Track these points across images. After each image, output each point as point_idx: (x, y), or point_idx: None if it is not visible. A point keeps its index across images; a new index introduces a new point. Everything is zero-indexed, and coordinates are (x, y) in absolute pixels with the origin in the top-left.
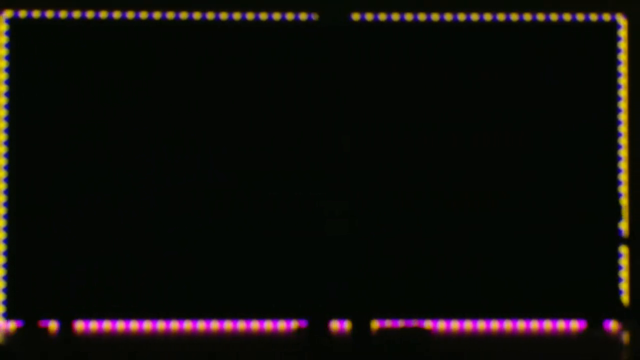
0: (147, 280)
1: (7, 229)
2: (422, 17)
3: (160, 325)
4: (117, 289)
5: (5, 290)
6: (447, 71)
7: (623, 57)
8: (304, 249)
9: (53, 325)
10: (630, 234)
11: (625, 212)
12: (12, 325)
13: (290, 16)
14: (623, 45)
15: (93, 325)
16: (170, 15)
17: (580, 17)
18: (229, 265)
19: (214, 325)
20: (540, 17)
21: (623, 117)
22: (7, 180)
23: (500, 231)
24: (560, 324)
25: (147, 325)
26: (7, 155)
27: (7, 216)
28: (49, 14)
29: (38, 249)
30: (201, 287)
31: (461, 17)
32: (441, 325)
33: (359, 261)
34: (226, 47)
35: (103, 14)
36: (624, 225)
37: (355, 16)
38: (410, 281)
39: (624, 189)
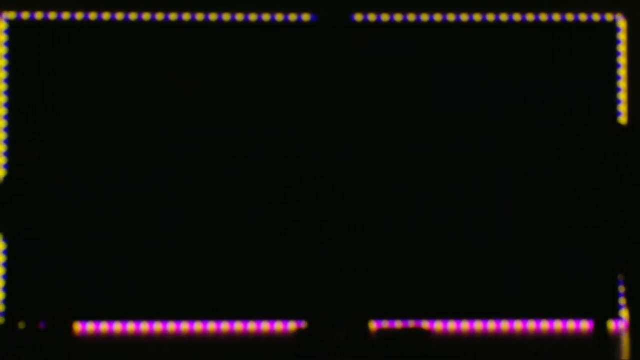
0: (146, 282)
1: None
2: (425, 17)
3: (157, 326)
4: (115, 290)
5: (5, 290)
6: (447, 70)
7: (622, 60)
8: (302, 249)
9: (53, 326)
10: None
11: None
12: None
13: (289, 17)
14: (622, 48)
15: (90, 326)
16: (172, 16)
17: (577, 16)
18: (228, 265)
19: (211, 326)
20: (543, 17)
21: (622, 119)
22: None
23: (500, 230)
24: (565, 324)
25: (144, 326)
26: (7, 154)
27: None
28: (51, 14)
29: (38, 250)
30: (200, 288)
31: (464, 17)
32: (440, 325)
33: (355, 261)
34: (227, 48)
35: (106, 15)
36: None
37: (358, 17)
38: (410, 281)
39: None
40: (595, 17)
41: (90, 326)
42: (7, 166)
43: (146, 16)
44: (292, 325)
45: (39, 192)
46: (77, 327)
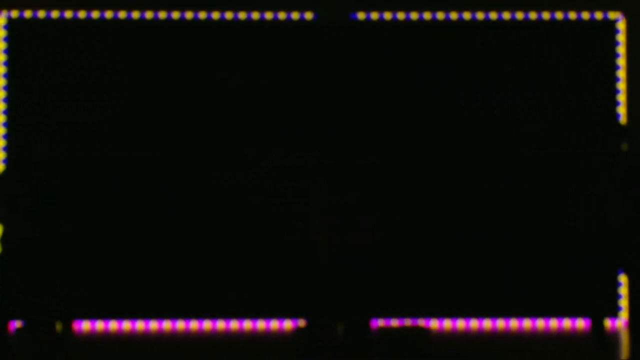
0: (142, 281)
1: None
2: (427, 15)
3: (153, 325)
4: (111, 289)
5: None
6: (446, 70)
7: (621, 61)
8: (301, 248)
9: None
10: None
11: None
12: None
13: (289, 15)
14: (622, 49)
15: (86, 325)
16: (148, 14)
17: (578, 15)
18: (225, 265)
19: (207, 325)
20: (546, 15)
21: (621, 120)
22: None
23: (499, 230)
24: (566, 323)
25: (140, 325)
26: (6, 149)
27: None
28: (42, 13)
29: (34, 248)
30: (196, 287)
31: (466, 15)
32: (439, 324)
33: (357, 260)
34: (225, 47)
35: (109, 14)
36: None
37: (357, 15)
38: (409, 280)
39: None
40: (596, 16)
41: (86, 325)
42: (6, 161)
43: (148, 15)
44: (288, 324)
45: (37, 189)
46: (77, 326)
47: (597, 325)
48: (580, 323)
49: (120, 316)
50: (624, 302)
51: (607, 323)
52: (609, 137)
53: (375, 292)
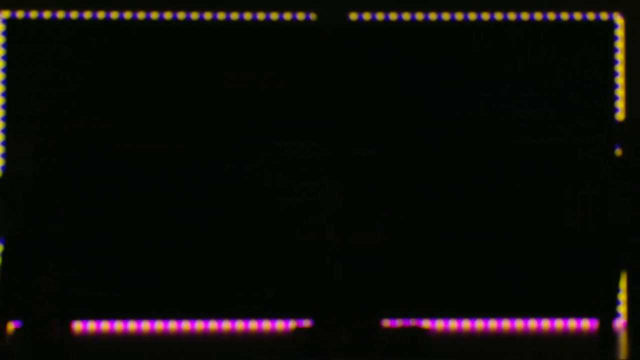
0: (147, 281)
1: None
2: (419, 16)
3: (159, 325)
4: (117, 289)
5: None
6: (444, 71)
7: (620, 56)
8: (305, 248)
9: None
10: None
11: None
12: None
13: (287, 16)
14: (620, 44)
15: (91, 325)
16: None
17: (576, 15)
18: (230, 264)
19: (212, 325)
20: (539, 15)
21: (620, 115)
22: None
23: (501, 229)
24: (572, 323)
25: (145, 325)
26: (5, 155)
27: None
28: (46, 13)
29: (37, 249)
30: (198, 286)
31: (459, 16)
32: (441, 324)
33: (360, 261)
34: (224, 47)
35: (101, 14)
36: None
37: (354, 16)
38: (410, 280)
39: None
40: (593, 15)
41: (91, 325)
42: (4, 168)
43: (141, 15)
44: (292, 325)
45: (32, 191)
46: (78, 326)
47: (605, 326)
48: (586, 324)
49: (125, 316)
50: (623, 302)
51: (615, 325)
52: (609, 135)
53: (380, 292)
